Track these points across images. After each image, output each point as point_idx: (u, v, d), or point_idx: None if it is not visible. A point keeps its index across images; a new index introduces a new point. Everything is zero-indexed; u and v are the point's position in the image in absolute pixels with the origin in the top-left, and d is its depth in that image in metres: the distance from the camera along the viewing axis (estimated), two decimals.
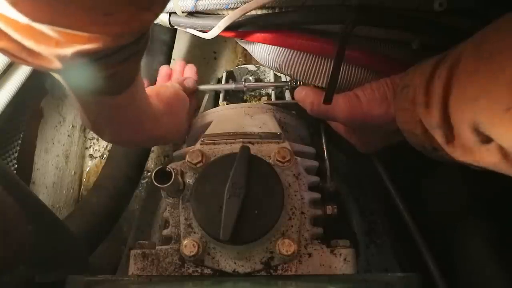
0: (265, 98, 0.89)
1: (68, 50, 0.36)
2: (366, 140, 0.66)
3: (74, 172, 1.14)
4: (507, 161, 0.40)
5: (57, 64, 0.38)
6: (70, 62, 0.38)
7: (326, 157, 0.70)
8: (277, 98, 0.86)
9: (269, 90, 0.89)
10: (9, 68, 0.73)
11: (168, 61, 0.99)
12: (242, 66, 0.95)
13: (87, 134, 1.22)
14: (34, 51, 0.37)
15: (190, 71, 0.88)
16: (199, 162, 0.57)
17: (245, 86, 0.84)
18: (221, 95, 0.86)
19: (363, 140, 0.67)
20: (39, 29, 0.34)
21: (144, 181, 1.11)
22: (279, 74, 0.91)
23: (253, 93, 0.91)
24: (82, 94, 0.52)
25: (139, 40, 0.43)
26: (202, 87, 0.84)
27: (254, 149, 0.58)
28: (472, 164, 0.45)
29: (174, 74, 0.87)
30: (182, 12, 0.70)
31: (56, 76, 0.47)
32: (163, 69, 0.87)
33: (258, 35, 0.67)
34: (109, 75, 0.45)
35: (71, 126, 1.12)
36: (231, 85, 0.85)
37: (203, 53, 1.30)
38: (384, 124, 0.58)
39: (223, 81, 0.91)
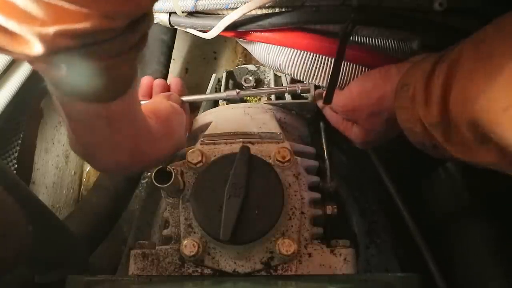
0: (265, 98, 0.89)
1: (51, 29, 0.33)
2: (367, 130, 0.65)
3: (74, 172, 1.14)
4: (505, 160, 0.40)
5: (39, 48, 0.34)
6: (54, 45, 0.35)
7: (326, 157, 0.70)
8: (277, 98, 0.86)
9: None
10: (9, 68, 0.73)
11: (168, 61, 0.99)
12: (242, 66, 0.95)
13: None
14: (15, 34, 0.34)
15: (175, 85, 0.78)
16: (199, 162, 0.57)
17: (238, 94, 0.75)
18: None
19: (364, 130, 0.65)
20: (23, 6, 0.32)
21: (144, 181, 1.11)
22: (279, 74, 0.91)
23: None
24: (72, 102, 0.46)
25: (134, 30, 0.39)
26: (185, 98, 0.75)
27: (254, 149, 0.58)
28: (471, 162, 0.45)
29: (156, 89, 0.77)
30: (182, 12, 0.69)
31: (47, 82, 0.44)
32: (145, 81, 0.77)
33: (258, 35, 0.67)
34: (100, 71, 0.40)
35: None
36: (222, 94, 0.77)
37: (203, 53, 1.30)
38: (380, 111, 0.58)
39: (223, 81, 0.91)
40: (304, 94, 0.86)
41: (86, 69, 0.39)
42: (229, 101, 0.86)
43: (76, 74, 0.39)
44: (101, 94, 0.44)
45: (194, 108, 0.88)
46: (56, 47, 0.35)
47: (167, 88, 0.78)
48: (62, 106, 0.47)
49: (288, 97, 0.82)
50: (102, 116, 0.47)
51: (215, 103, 0.88)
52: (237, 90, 0.75)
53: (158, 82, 0.77)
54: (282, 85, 0.87)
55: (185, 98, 0.75)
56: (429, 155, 0.53)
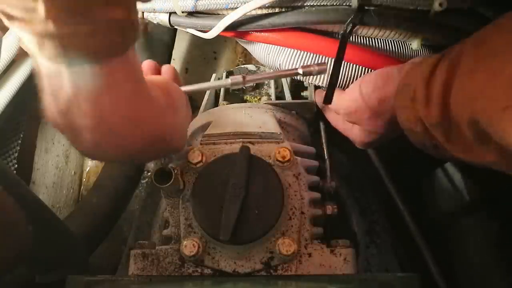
0: (265, 98, 0.89)
1: None
2: (368, 131, 0.65)
3: (74, 172, 1.14)
4: (506, 159, 0.41)
5: None
6: None
7: (326, 157, 0.70)
8: (277, 98, 0.86)
9: (269, 90, 0.89)
10: (9, 68, 0.73)
11: (168, 61, 1.00)
12: (242, 66, 0.95)
13: None
14: None
15: (167, 74, 0.62)
16: (199, 162, 0.57)
17: (244, 79, 0.61)
18: (221, 95, 0.86)
19: (365, 131, 0.65)
20: None
21: (144, 181, 1.11)
22: None
23: (253, 93, 0.91)
24: (57, 63, 0.36)
25: None
26: (185, 88, 0.62)
27: (254, 149, 0.58)
28: (472, 162, 0.46)
29: (148, 72, 0.62)
30: (182, 12, 0.70)
31: (26, 42, 0.35)
32: (146, 63, 0.62)
33: (258, 35, 0.67)
34: (85, 12, 0.33)
35: None
36: (226, 81, 0.63)
37: (203, 53, 1.30)
38: (381, 112, 0.58)
39: None
40: (304, 94, 0.86)
41: (68, 6, 0.31)
42: (231, 99, 0.85)
43: (58, 15, 0.31)
44: (94, 48, 0.35)
45: (194, 108, 0.88)
46: None
47: (158, 72, 0.64)
48: (43, 71, 0.38)
49: (288, 97, 0.82)
50: (97, 79, 0.38)
51: (215, 103, 0.88)
52: (243, 75, 0.62)
53: (148, 63, 0.62)
54: (283, 85, 0.87)
55: (184, 89, 0.62)
56: (429, 155, 0.53)
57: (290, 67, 0.67)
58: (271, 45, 0.68)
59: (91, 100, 0.38)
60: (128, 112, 0.42)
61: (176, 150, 0.56)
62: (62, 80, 0.37)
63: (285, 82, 0.87)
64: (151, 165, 1.17)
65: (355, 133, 0.66)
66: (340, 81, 0.66)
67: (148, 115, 0.44)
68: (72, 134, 0.41)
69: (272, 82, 0.88)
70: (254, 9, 0.62)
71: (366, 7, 0.59)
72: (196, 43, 1.29)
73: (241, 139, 0.61)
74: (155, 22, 0.74)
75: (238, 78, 0.61)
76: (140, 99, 0.43)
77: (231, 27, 0.65)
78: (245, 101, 0.90)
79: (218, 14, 0.68)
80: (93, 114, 0.39)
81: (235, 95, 0.90)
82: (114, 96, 0.40)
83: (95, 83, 0.38)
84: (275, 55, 0.68)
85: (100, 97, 0.39)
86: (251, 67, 0.93)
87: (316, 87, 0.75)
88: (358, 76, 0.66)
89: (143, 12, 0.74)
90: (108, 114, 0.40)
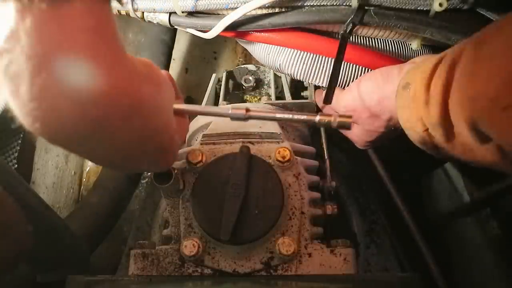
0: (265, 98, 0.89)
1: None
2: (368, 130, 0.65)
3: (74, 172, 1.14)
4: (505, 160, 0.41)
5: None
6: None
7: (326, 157, 0.70)
8: (277, 98, 0.86)
9: (269, 90, 0.89)
10: None
11: (168, 61, 1.00)
12: (242, 66, 0.95)
13: None
14: None
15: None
16: (199, 162, 0.57)
17: (246, 112, 0.48)
18: (221, 95, 0.86)
19: (365, 130, 0.65)
20: None
21: (144, 181, 1.11)
22: (279, 74, 0.91)
23: (253, 93, 0.91)
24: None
25: None
26: (177, 106, 0.50)
27: (254, 149, 0.58)
28: (471, 162, 0.46)
29: None
30: (182, 12, 0.69)
31: None
32: None
33: (258, 35, 0.67)
34: None
35: None
36: (227, 110, 0.50)
37: (203, 53, 1.31)
38: (381, 111, 0.58)
39: (223, 81, 0.91)
40: (304, 94, 0.86)
41: None
42: (231, 99, 0.85)
43: None
44: None
45: None
46: None
47: None
48: None
49: (288, 97, 0.82)
50: (48, 15, 0.30)
51: (215, 103, 0.88)
52: (246, 107, 0.49)
53: None
54: (283, 85, 0.87)
55: (178, 107, 0.51)
56: (429, 155, 0.54)
57: (290, 67, 0.67)
58: (271, 45, 0.68)
59: (32, 34, 0.30)
60: (83, 53, 0.32)
61: (163, 147, 0.44)
62: (6, 16, 0.29)
63: (285, 82, 0.87)
64: None
65: (355, 132, 0.66)
66: (340, 81, 0.66)
67: (115, 70, 0.34)
68: (10, 84, 0.32)
69: (272, 82, 0.88)
70: (254, 9, 0.62)
71: (366, 7, 0.59)
72: (196, 43, 1.29)
73: (241, 139, 0.61)
74: (155, 22, 0.74)
75: (240, 111, 0.49)
76: (104, 48, 0.33)
77: (231, 27, 0.65)
78: (245, 101, 0.90)
79: (218, 14, 0.68)
80: (34, 51, 0.30)
81: (235, 95, 0.90)
82: (64, 31, 0.31)
83: (44, 18, 0.29)
84: (275, 55, 0.68)
85: (44, 29, 0.30)
86: (251, 67, 0.93)
87: (316, 87, 0.75)
88: (358, 76, 0.66)
89: (143, 12, 0.74)
90: (53, 52, 0.31)
